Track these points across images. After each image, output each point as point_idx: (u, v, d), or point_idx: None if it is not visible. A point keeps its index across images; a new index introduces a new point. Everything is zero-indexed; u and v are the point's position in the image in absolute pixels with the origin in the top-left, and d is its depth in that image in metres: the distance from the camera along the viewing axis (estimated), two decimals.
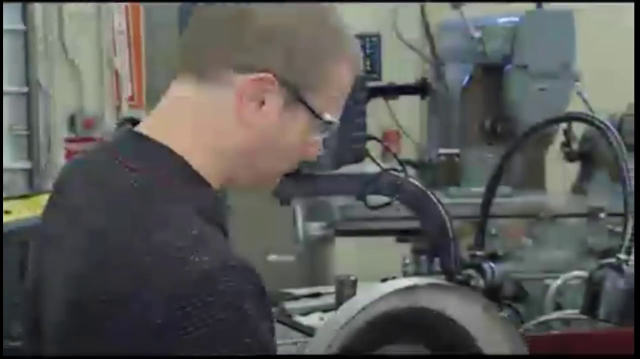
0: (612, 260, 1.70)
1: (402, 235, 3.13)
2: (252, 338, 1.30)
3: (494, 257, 2.25)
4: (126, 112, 4.53)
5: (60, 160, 4.46)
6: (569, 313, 2.12)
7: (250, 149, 1.47)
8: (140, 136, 1.45)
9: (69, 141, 4.48)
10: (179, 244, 1.31)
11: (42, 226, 1.52)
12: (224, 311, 1.29)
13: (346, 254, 3.65)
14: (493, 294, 1.95)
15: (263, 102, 1.45)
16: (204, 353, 1.27)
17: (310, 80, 1.47)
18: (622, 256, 1.68)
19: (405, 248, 2.94)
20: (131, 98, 4.55)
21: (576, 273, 2.43)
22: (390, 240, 3.22)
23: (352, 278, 1.92)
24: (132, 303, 1.30)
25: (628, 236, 1.67)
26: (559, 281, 2.46)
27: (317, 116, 1.47)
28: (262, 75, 1.44)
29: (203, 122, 1.45)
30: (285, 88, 1.45)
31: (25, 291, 1.52)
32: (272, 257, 2.79)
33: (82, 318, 1.34)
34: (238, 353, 1.28)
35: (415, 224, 2.42)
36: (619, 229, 1.71)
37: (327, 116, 1.49)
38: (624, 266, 1.68)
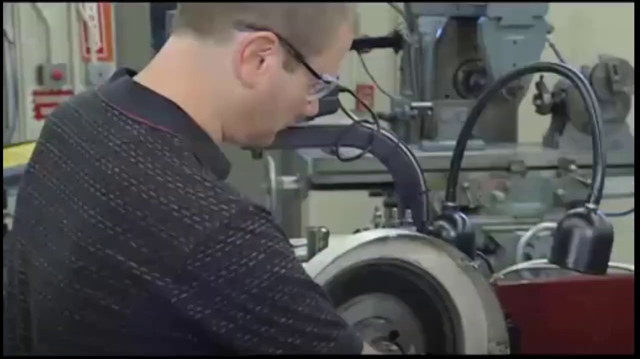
0: (581, 209, 1.72)
1: (376, 189, 3.15)
2: (286, 267, 1.36)
3: (465, 210, 2.27)
4: (95, 64, 4.49)
5: (29, 113, 4.42)
6: (538, 262, 2.15)
7: (249, 106, 1.49)
8: (143, 89, 1.45)
9: (37, 93, 4.44)
10: (196, 195, 1.34)
11: (30, 178, 1.50)
12: (252, 250, 1.33)
13: (319, 208, 3.67)
14: (464, 244, 1.96)
15: (263, 61, 1.46)
16: (238, 291, 1.31)
17: (310, 41, 1.48)
18: (591, 206, 1.70)
19: (379, 202, 2.96)
20: (100, 50, 4.50)
21: (546, 224, 2.46)
22: (363, 194, 3.24)
23: (324, 229, 1.93)
24: (150, 252, 1.31)
25: (597, 185, 1.69)
26: (529, 233, 2.48)
27: (316, 76, 1.49)
28: (262, 33, 1.45)
29: (203, 79, 1.46)
30: (285, 47, 1.46)
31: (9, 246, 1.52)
32: None
33: (94, 261, 1.34)
34: (270, 284, 1.33)
35: (388, 177, 2.44)
36: (590, 181, 1.73)
37: (326, 76, 1.51)
38: (592, 215, 1.70)
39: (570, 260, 1.70)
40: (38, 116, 4.40)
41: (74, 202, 1.40)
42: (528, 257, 2.48)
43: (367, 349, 1.50)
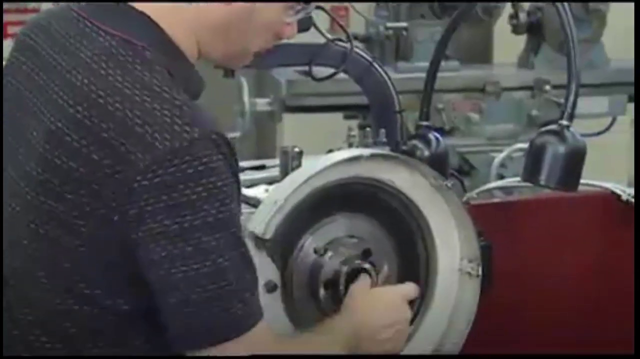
0: (554, 127, 1.72)
1: (350, 111, 3.15)
2: (223, 213, 1.34)
3: (440, 132, 2.26)
4: None
5: None
6: (511, 180, 2.16)
7: (225, 23, 1.48)
8: (116, 1, 1.44)
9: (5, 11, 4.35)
10: (162, 112, 1.33)
11: (4, 91, 1.49)
12: (199, 185, 1.32)
13: (294, 131, 3.66)
14: (438, 164, 1.97)
15: None
16: (172, 219, 1.31)
17: None
18: (564, 122, 1.71)
19: (353, 125, 2.95)
20: None
21: (520, 145, 2.47)
22: (338, 117, 3.24)
23: (297, 149, 1.93)
24: (109, 165, 1.31)
25: (570, 102, 1.69)
26: (502, 154, 2.49)
27: None
28: None
29: None
30: None
31: None
32: None
33: (58, 174, 1.34)
34: (202, 224, 1.32)
35: (363, 99, 2.43)
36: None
37: None
38: (565, 132, 1.70)
39: (542, 177, 1.71)
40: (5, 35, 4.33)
41: (43, 115, 1.39)
42: (501, 178, 2.49)
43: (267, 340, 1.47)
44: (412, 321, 1.94)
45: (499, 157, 2.51)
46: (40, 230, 1.37)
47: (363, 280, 1.72)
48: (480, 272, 1.91)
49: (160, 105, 1.33)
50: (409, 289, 1.71)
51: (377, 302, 1.65)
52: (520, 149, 2.41)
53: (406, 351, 1.93)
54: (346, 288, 1.79)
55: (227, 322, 1.35)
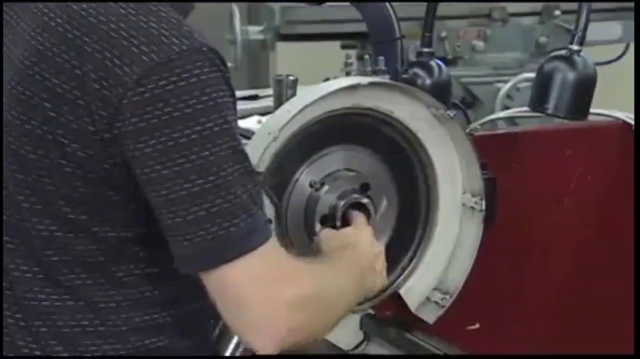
0: (563, 52, 1.70)
1: (348, 40, 3.12)
2: (221, 126, 1.33)
3: (443, 61, 2.25)
4: None
5: None
6: (516, 110, 2.15)
7: None
8: None
9: None
10: (148, 24, 1.32)
11: None
12: (192, 97, 1.30)
13: (288, 61, 3.63)
14: (440, 93, 1.96)
15: None
16: (168, 136, 1.30)
17: None
18: (574, 47, 1.69)
19: (351, 55, 2.92)
20: None
21: (527, 75, 2.46)
22: (335, 46, 3.21)
23: (292, 77, 1.92)
24: (95, 80, 1.30)
25: (581, 24, 1.66)
26: (508, 84, 2.49)
27: None
28: None
29: None
30: None
31: None
32: None
33: (41, 91, 1.34)
34: (198, 139, 1.31)
35: (362, 27, 2.41)
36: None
37: None
38: (575, 57, 1.69)
39: (550, 105, 1.70)
40: None
41: (24, 31, 1.38)
42: (507, 109, 2.49)
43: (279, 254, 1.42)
44: (411, 258, 1.96)
45: (504, 87, 2.50)
46: (20, 151, 1.37)
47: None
48: (483, 206, 1.92)
49: (146, 17, 1.32)
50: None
51: (359, 236, 1.68)
52: (527, 79, 2.40)
53: (404, 289, 1.95)
54: (343, 222, 1.80)
55: (237, 236, 1.33)
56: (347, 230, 1.71)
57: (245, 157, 1.37)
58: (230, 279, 1.33)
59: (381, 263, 1.67)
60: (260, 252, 1.34)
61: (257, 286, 1.33)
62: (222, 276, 1.33)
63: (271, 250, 1.36)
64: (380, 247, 1.68)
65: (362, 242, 1.67)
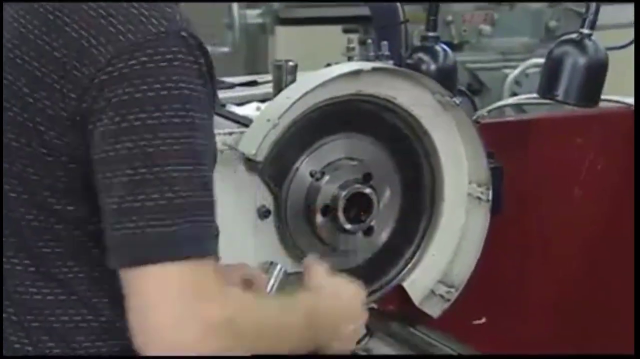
0: (574, 36, 1.70)
1: (350, 24, 3.12)
2: (183, 119, 1.28)
3: (448, 46, 2.25)
4: None
5: None
6: (525, 97, 2.15)
7: None
8: None
9: None
10: (130, 3, 1.30)
11: None
12: (157, 82, 1.28)
13: (287, 46, 3.63)
14: (445, 78, 1.96)
15: None
16: (122, 117, 1.26)
17: None
18: (585, 31, 1.69)
19: (353, 40, 2.93)
20: None
21: (536, 60, 2.45)
22: (336, 31, 3.21)
23: (292, 62, 1.92)
24: (70, 62, 1.30)
25: (592, 8, 1.66)
26: (516, 70, 2.48)
27: None
28: None
29: None
30: None
31: None
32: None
33: (22, 75, 1.33)
34: (160, 120, 1.26)
35: (364, 10, 2.41)
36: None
37: None
38: (586, 42, 1.69)
39: (560, 91, 1.70)
40: None
41: (9, 15, 1.38)
42: (515, 96, 2.49)
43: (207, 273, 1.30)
44: (415, 250, 1.96)
45: (512, 73, 2.49)
46: (5, 139, 1.36)
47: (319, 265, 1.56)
48: (490, 197, 1.92)
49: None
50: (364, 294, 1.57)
51: (342, 292, 1.51)
52: (536, 65, 2.39)
53: (408, 282, 1.95)
54: (345, 214, 1.80)
55: (166, 239, 1.25)
56: (342, 281, 1.54)
57: (205, 161, 1.30)
58: (146, 283, 1.26)
59: (352, 331, 1.51)
60: (189, 264, 1.26)
61: (173, 300, 1.25)
62: (139, 277, 1.26)
63: (203, 267, 1.27)
64: (363, 317, 1.53)
65: (348, 299, 1.51)
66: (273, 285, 1.62)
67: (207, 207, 1.29)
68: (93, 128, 1.29)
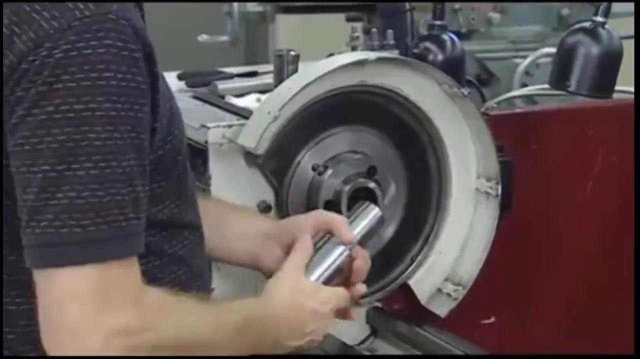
0: (587, 24, 1.70)
1: (353, 12, 3.12)
2: (105, 112, 1.24)
3: (456, 35, 2.25)
4: None
5: None
6: (535, 88, 2.15)
7: None
8: None
9: None
10: None
11: None
12: (78, 72, 1.24)
13: (289, 35, 3.63)
14: (453, 69, 1.96)
15: None
16: (42, 108, 1.23)
17: None
18: (599, 19, 1.68)
19: (357, 28, 2.92)
20: None
21: (547, 49, 2.45)
22: (339, 19, 3.20)
23: (293, 52, 1.92)
24: (5, 49, 1.26)
25: None
26: (527, 60, 2.48)
27: None
28: None
29: None
30: None
31: None
32: (203, 38, 2.76)
33: None
34: (80, 113, 1.23)
35: None
36: None
37: None
38: (600, 30, 1.68)
39: (572, 82, 1.70)
40: None
41: None
42: (525, 87, 2.48)
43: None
44: (422, 247, 1.96)
45: (523, 63, 2.49)
46: None
47: (294, 256, 1.54)
48: (499, 192, 1.92)
49: None
50: (343, 296, 1.54)
51: (305, 302, 1.48)
52: (548, 55, 2.39)
53: (414, 280, 1.95)
54: (348, 209, 1.80)
55: (80, 240, 1.23)
56: (310, 286, 1.51)
57: (129, 156, 1.26)
58: (55, 284, 1.24)
59: (304, 342, 1.48)
60: (101, 267, 1.24)
61: (81, 303, 1.23)
62: (49, 277, 1.24)
63: (117, 271, 1.25)
64: (321, 328, 1.50)
65: (292, 315, 1.47)
66: (363, 229, 1.61)
67: (131, 204, 1.26)
68: (10, 119, 1.26)
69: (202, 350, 1.35)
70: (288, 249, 1.57)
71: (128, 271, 1.27)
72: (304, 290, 1.50)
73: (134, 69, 1.27)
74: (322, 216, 1.63)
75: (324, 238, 1.58)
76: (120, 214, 1.25)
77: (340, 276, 1.57)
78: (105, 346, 1.24)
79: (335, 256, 1.56)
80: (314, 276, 1.53)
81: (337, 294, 1.53)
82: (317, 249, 1.55)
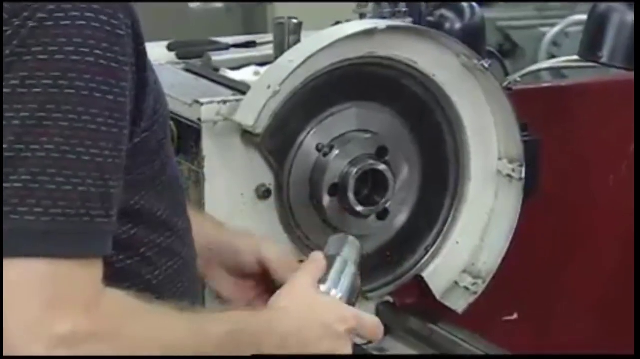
0: None
1: None
2: (78, 87, 1.23)
3: (476, 1, 2.25)
4: None
5: None
6: (563, 59, 2.15)
7: None
8: None
9: None
10: None
11: None
12: (59, 40, 1.24)
13: (290, 2, 3.63)
14: (472, 39, 1.97)
15: None
16: (20, 80, 1.22)
17: None
18: None
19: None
20: None
21: (577, 17, 2.46)
22: None
23: (295, 20, 1.93)
24: None
25: None
26: (555, 29, 2.49)
27: None
28: None
29: None
30: None
31: None
32: (195, 5, 2.78)
33: None
34: (46, 90, 1.22)
35: None
36: None
37: None
38: None
39: (605, 53, 1.70)
40: None
41: None
42: (553, 58, 2.49)
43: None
44: (437, 236, 1.97)
45: (550, 32, 2.50)
46: None
47: (308, 270, 1.51)
48: (523, 175, 1.93)
49: None
50: (368, 322, 1.50)
51: (319, 317, 1.46)
52: (578, 23, 2.40)
53: (428, 272, 1.96)
54: (356, 194, 1.81)
55: (29, 229, 1.21)
56: (321, 309, 1.47)
57: (104, 143, 1.24)
58: (8, 275, 1.21)
59: (333, 343, 1.46)
60: (55, 264, 1.22)
61: (28, 303, 1.22)
62: (5, 267, 1.21)
63: (73, 271, 1.23)
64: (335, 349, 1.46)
65: (298, 334, 1.44)
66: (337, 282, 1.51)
67: (99, 199, 1.24)
68: None
69: None
70: (229, 271, 1.58)
71: (85, 273, 1.24)
72: (319, 305, 1.48)
73: (116, 47, 1.26)
74: (264, 253, 1.59)
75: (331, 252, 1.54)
76: (83, 208, 1.23)
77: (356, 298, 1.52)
78: (50, 353, 1.22)
79: (351, 274, 1.52)
80: (331, 291, 1.49)
81: (356, 316, 1.49)
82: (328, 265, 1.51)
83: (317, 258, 1.52)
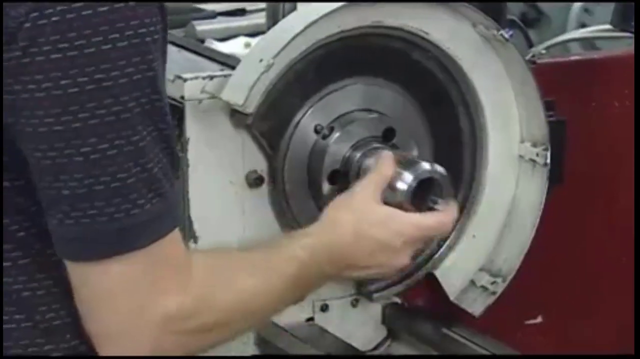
0: None
1: None
2: (142, 69, 1.34)
3: None
4: None
5: None
6: (595, 29, 2.15)
7: None
8: None
9: None
10: None
11: None
12: (102, 28, 1.31)
13: None
14: (491, 6, 1.96)
15: None
16: (56, 82, 1.30)
17: None
18: None
19: None
20: None
21: None
22: None
23: None
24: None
25: None
26: None
27: None
28: None
29: None
30: None
31: None
32: None
33: None
34: (100, 83, 1.31)
35: None
36: None
37: None
38: None
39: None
40: None
41: None
42: (583, 27, 2.49)
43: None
44: (450, 231, 1.97)
45: None
46: None
47: (372, 180, 1.72)
48: (548, 160, 1.92)
49: None
50: (424, 226, 1.71)
51: (371, 232, 1.67)
52: None
53: (441, 270, 1.96)
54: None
55: (117, 229, 1.36)
56: (364, 212, 1.69)
57: (140, 127, 1.36)
58: (97, 277, 1.38)
59: (374, 272, 1.71)
60: (141, 254, 1.38)
61: (128, 294, 1.39)
62: (91, 270, 1.38)
63: (158, 252, 1.39)
64: (392, 262, 1.70)
65: (355, 247, 1.68)
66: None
67: (152, 180, 1.38)
68: (23, 91, 1.32)
69: (259, 309, 1.55)
70: None
71: (172, 249, 1.41)
72: (372, 218, 1.66)
73: (161, 17, 1.40)
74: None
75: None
76: (150, 191, 1.37)
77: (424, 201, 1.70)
78: (160, 337, 1.40)
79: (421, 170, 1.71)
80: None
81: (413, 224, 1.68)
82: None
83: (386, 163, 1.71)
